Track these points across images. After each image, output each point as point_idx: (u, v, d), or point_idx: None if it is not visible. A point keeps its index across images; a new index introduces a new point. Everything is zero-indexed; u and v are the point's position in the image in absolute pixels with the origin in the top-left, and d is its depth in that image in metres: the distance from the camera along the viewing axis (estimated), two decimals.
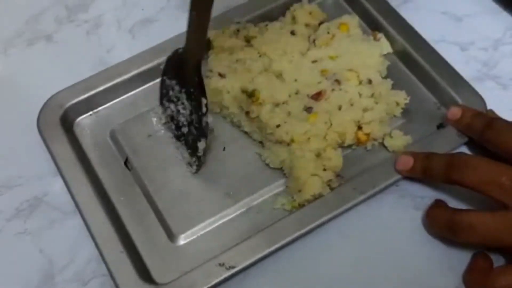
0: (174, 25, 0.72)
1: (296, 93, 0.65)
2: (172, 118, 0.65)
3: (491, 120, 0.60)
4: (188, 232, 0.61)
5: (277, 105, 0.64)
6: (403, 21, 0.71)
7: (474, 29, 0.74)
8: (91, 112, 0.70)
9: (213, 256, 0.58)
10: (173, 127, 0.65)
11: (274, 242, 0.58)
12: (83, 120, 0.69)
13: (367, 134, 0.64)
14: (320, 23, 0.71)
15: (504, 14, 0.76)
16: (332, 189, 0.61)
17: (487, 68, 0.71)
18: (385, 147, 0.64)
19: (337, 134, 0.63)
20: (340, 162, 0.61)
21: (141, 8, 0.80)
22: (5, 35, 0.78)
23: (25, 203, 0.65)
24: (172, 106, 0.64)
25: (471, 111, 0.62)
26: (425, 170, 0.60)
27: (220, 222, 0.62)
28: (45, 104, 0.68)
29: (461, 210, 0.58)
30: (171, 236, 0.61)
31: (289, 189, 0.62)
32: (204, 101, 0.59)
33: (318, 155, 0.61)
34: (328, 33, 0.69)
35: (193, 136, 0.62)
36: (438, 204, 0.60)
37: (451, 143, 0.63)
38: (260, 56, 0.68)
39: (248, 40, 0.69)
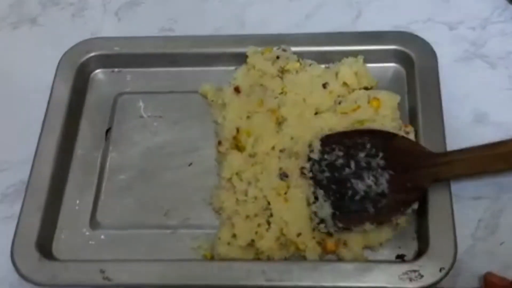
0: (160, 7, 0.72)
1: (281, 150, 0.61)
2: (335, 169, 0.58)
3: None
4: (110, 227, 0.62)
5: (253, 155, 0.61)
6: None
7: (462, 9, 0.73)
8: (113, 69, 0.71)
9: (105, 259, 0.58)
10: (328, 174, 0.58)
11: (164, 277, 0.56)
12: (101, 74, 0.71)
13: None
14: (366, 88, 0.65)
15: None
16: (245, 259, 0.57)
17: (475, 48, 0.70)
18: None
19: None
20: (269, 247, 0.57)
21: None
22: None
23: (11, 188, 0.66)
24: (353, 163, 0.58)
25: None
26: None
27: (142, 232, 0.61)
28: (73, 46, 0.70)
29: None
30: (93, 222, 0.62)
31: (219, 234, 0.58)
32: (414, 206, 0.56)
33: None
34: (356, 102, 0.63)
35: (355, 207, 0.57)
36: None
37: None
38: (281, 93, 0.65)
39: (281, 71, 0.66)
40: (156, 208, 0.62)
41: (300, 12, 0.75)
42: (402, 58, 0.67)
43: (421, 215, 0.58)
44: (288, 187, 0.59)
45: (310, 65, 0.67)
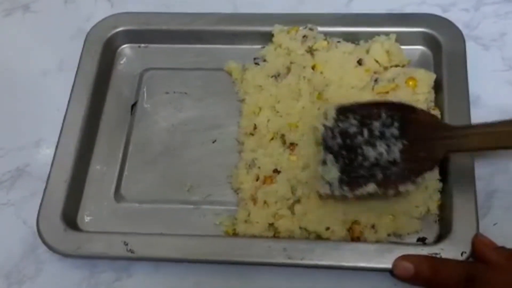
0: None
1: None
2: (348, 136, 0.58)
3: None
4: (134, 200, 0.62)
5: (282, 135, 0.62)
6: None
7: None
8: (139, 45, 0.72)
9: (128, 231, 0.59)
10: (340, 140, 0.57)
11: (186, 252, 0.57)
12: (127, 49, 0.72)
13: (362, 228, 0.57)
14: (397, 66, 0.65)
15: None
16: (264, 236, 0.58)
17: (468, 29, 0.69)
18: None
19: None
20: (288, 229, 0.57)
21: None
22: None
23: (7, 174, 0.66)
24: (366, 132, 0.57)
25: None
26: (432, 280, 0.52)
27: (165, 206, 0.62)
28: (100, 21, 0.71)
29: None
30: (118, 195, 0.63)
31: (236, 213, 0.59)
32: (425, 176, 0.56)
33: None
34: (394, 80, 0.63)
35: (364, 172, 0.56)
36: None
37: None
38: (313, 68, 0.65)
39: (309, 51, 0.66)
40: (179, 183, 0.62)
41: None
42: (430, 41, 0.66)
43: (444, 199, 0.58)
44: None
45: (338, 42, 0.66)
